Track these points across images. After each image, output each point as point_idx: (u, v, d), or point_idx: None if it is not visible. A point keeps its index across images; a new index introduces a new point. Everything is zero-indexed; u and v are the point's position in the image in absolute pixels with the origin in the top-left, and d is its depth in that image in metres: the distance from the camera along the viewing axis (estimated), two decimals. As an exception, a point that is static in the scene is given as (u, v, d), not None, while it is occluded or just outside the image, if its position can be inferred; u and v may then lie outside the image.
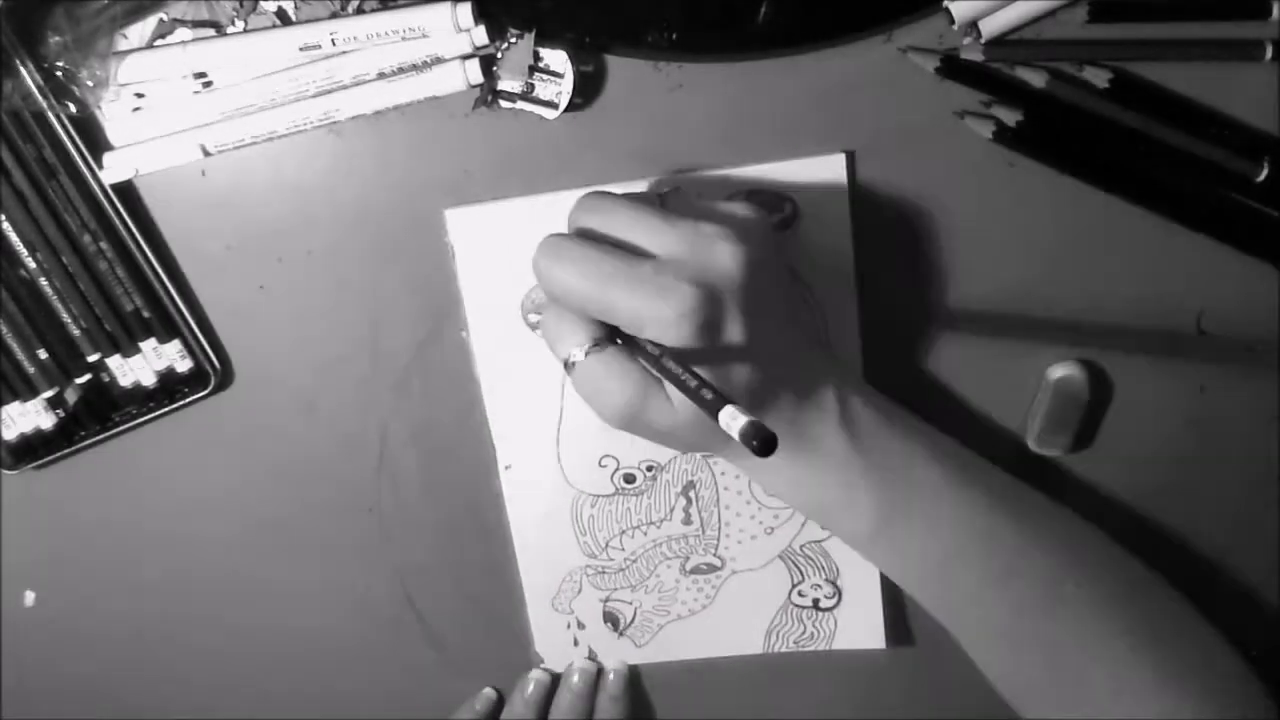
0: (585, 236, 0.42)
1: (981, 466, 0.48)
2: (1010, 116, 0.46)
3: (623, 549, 0.54)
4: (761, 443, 0.34)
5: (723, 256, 0.40)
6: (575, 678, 0.56)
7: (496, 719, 0.57)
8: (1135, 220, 0.48)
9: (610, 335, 0.42)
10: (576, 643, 0.55)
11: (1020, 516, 0.46)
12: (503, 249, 0.49)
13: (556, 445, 0.52)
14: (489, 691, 0.57)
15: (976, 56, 0.46)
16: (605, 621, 0.55)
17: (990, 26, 0.45)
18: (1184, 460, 0.53)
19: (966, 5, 0.45)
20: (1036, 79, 0.46)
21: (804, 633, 0.55)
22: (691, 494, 0.53)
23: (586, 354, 0.41)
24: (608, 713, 0.56)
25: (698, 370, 0.39)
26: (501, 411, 0.51)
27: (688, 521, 0.53)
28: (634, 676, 0.57)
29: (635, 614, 0.55)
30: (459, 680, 0.56)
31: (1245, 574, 0.54)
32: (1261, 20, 0.46)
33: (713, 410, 0.36)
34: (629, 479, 0.52)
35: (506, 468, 0.52)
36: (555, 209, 0.48)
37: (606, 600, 0.55)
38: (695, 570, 0.54)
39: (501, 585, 0.54)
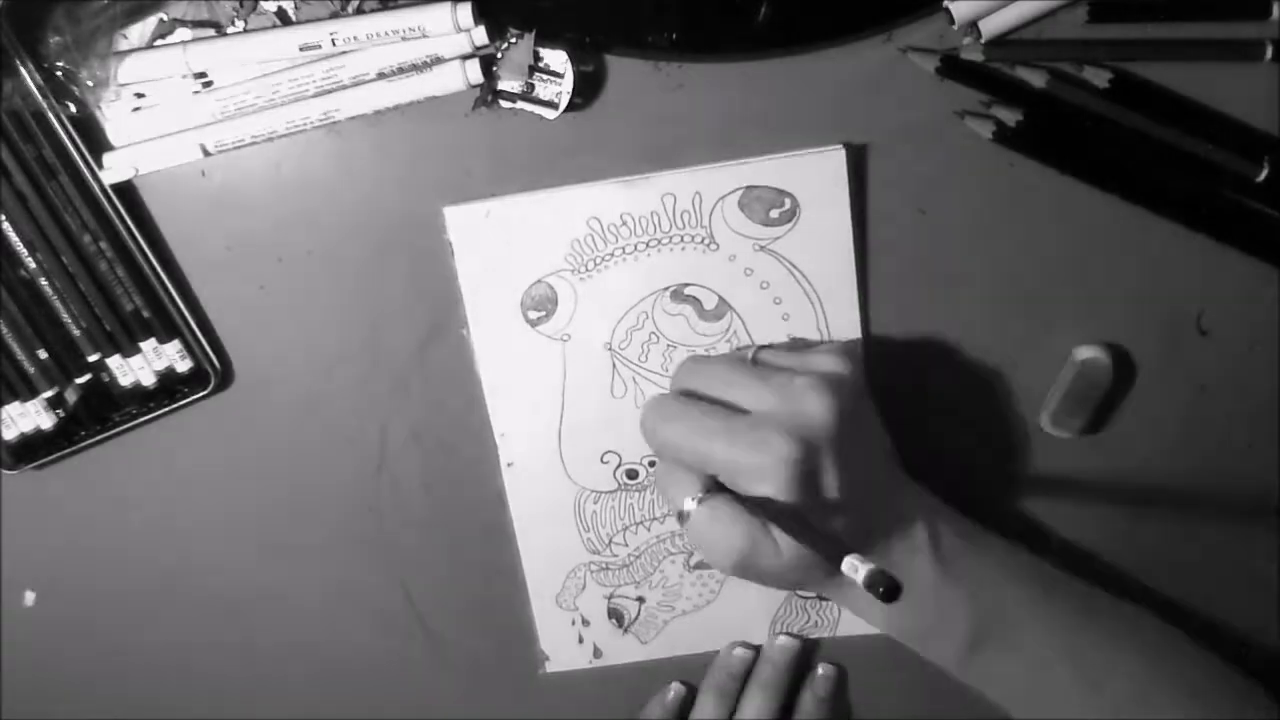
0: (687, 396, 0.46)
1: (1064, 580, 0.50)
2: (1010, 116, 0.46)
3: (626, 545, 0.54)
4: (887, 590, 0.36)
5: (815, 408, 0.43)
6: (777, 653, 0.55)
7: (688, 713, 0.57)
8: (1135, 220, 0.48)
9: (719, 485, 0.44)
10: (581, 640, 0.55)
11: (1105, 627, 0.49)
12: (502, 246, 0.49)
13: (558, 442, 0.52)
14: (678, 686, 0.56)
15: (976, 56, 0.46)
16: (610, 618, 0.55)
17: (990, 26, 0.45)
18: (1183, 460, 0.53)
19: (966, 5, 0.45)
20: (1036, 79, 0.46)
21: (808, 621, 0.55)
22: (694, 491, 0.53)
23: (698, 503, 0.44)
24: (810, 713, 0.55)
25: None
26: (502, 409, 0.51)
27: (690, 518, 0.53)
28: (842, 681, 0.56)
29: (640, 610, 0.55)
30: (459, 680, 0.56)
31: (1245, 574, 0.54)
32: (1261, 20, 0.46)
33: (835, 558, 0.38)
34: (631, 474, 0.52)
35: (508, 465, 0.52)
36: (555, 206, 0.48)
37: (611, 597, 0.55)
38: (699, 566, 0.54)
39: (502, 585, 0.54)
